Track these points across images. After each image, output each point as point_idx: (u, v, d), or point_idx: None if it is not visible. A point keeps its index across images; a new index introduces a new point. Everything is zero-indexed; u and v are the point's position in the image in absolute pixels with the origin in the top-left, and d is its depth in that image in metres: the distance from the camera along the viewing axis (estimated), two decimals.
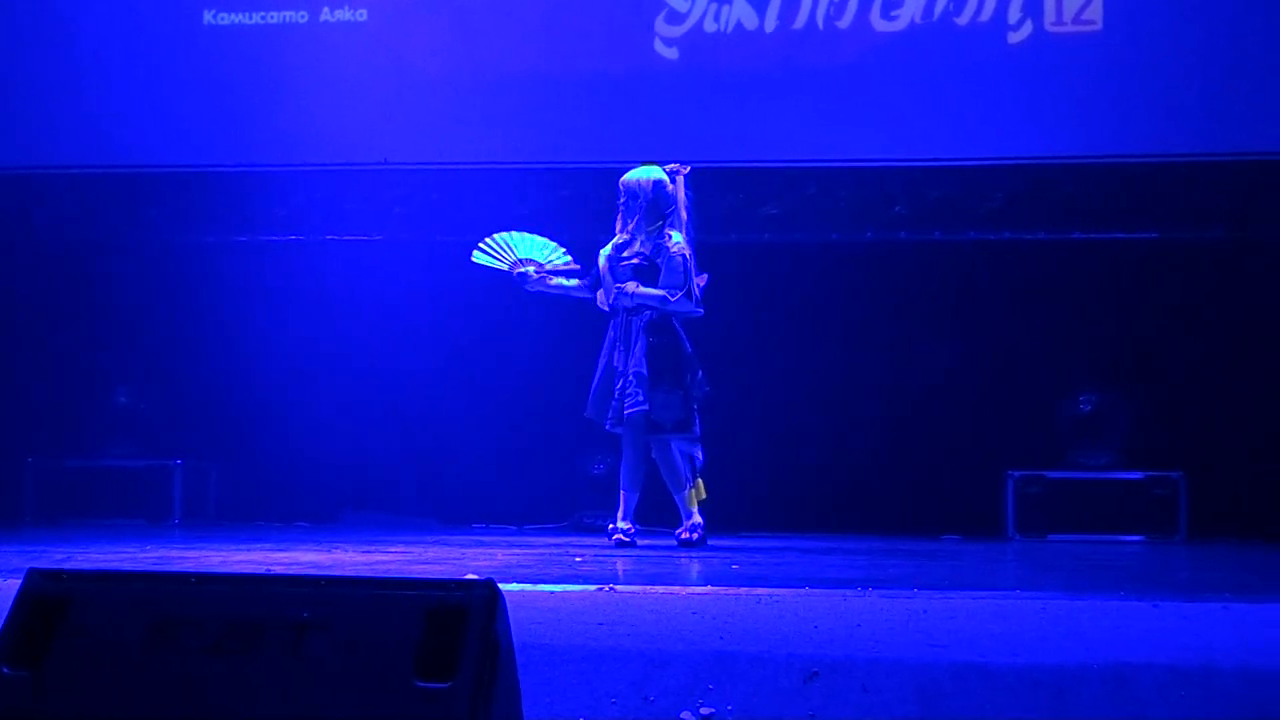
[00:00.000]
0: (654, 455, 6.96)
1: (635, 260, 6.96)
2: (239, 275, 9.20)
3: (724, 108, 8.77)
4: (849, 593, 4.24)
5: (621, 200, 7.06)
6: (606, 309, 7.05)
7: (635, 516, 6.99)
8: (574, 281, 7.15)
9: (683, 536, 6.93)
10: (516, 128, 8.74)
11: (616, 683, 2.87)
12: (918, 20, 8.66)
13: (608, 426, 6.99)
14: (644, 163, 7.15)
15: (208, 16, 9.13)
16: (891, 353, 8.83)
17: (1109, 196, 8.65)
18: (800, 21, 8.72)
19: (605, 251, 7.06)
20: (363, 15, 9.02)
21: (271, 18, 9.08)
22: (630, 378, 6.85)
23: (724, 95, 8.78)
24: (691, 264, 6.93)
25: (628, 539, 6.85)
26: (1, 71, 9.11)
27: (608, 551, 6.65)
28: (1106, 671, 2.88)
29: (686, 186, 7.08)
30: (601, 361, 7.03)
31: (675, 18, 8.83)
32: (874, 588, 4.47)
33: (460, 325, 8.98)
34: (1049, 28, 8.60)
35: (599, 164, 8.56)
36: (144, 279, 9.25)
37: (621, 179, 7.11)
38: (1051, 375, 8.67)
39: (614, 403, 6.91)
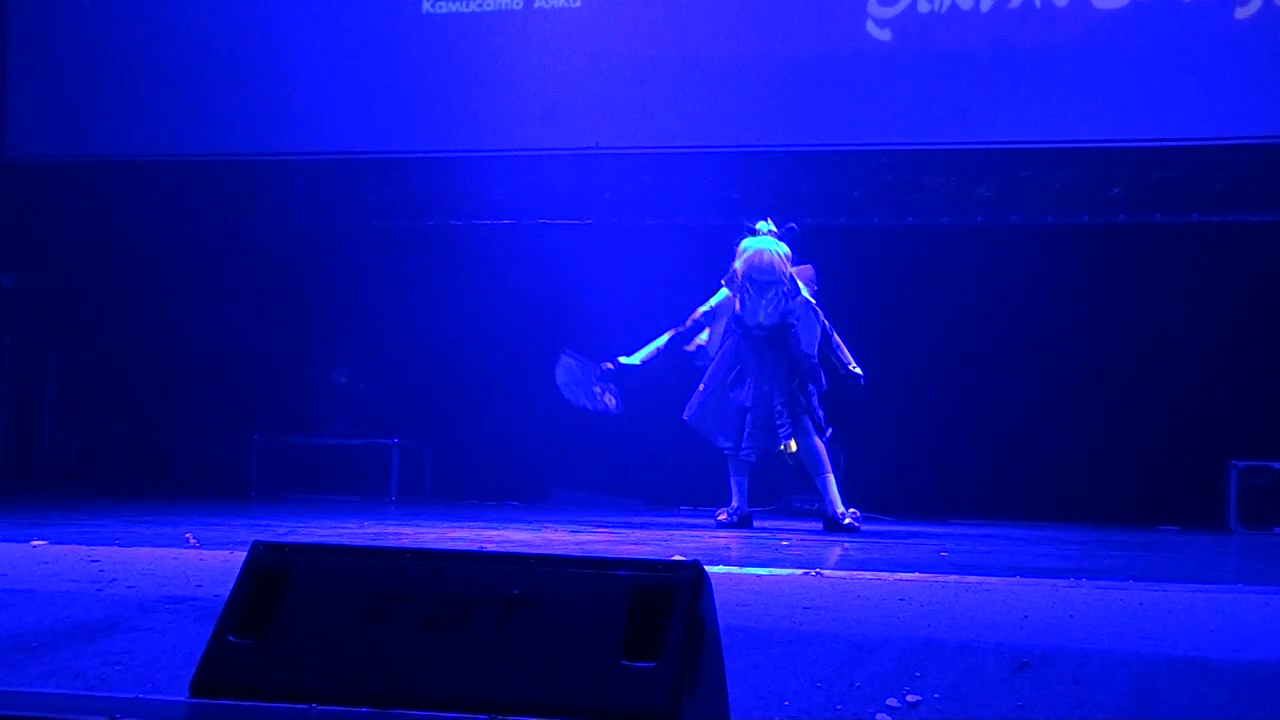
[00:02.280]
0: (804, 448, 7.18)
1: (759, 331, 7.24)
2: (453, 259, 9.38)
3: (937, 89, 8.64)
4: (1061, 582, 4.15)
5: (752, 284, 7.11)
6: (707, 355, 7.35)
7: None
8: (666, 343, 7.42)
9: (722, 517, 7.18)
10: (726, 112, 8.74)
11: (822, 668, 2.86)
12: None
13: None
14: (752, 230, 7.23)
15: (426, 5, 9.32)
16: (1110, 337, 8.61)
17: None
18: (1016, 0, 8.54)
19: (719, 303, 7.31)
20: (576, 2, 9.11)
21: (487, 5, 9.24)
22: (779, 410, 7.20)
23: (937, 77, 8.65)
24: None
25: (858, 524, 7.02)
26: (225, 63, 9.42)
27: (815, 536, 6.63)
28: None
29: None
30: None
31: None
32: (1087, 578, 4.37)
33: (668, 307, 9.01)
34: (1279, 1, 8.27)
35: (810, 147, 8.52)
36: (359, 263, 9.50)
37: (751, 259, 7.12)
38: (1277, 362, 8.36)
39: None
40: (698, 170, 8.97)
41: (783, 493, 8.59)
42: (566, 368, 7.57)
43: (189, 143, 9.47)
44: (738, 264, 7.17)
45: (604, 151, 9.06)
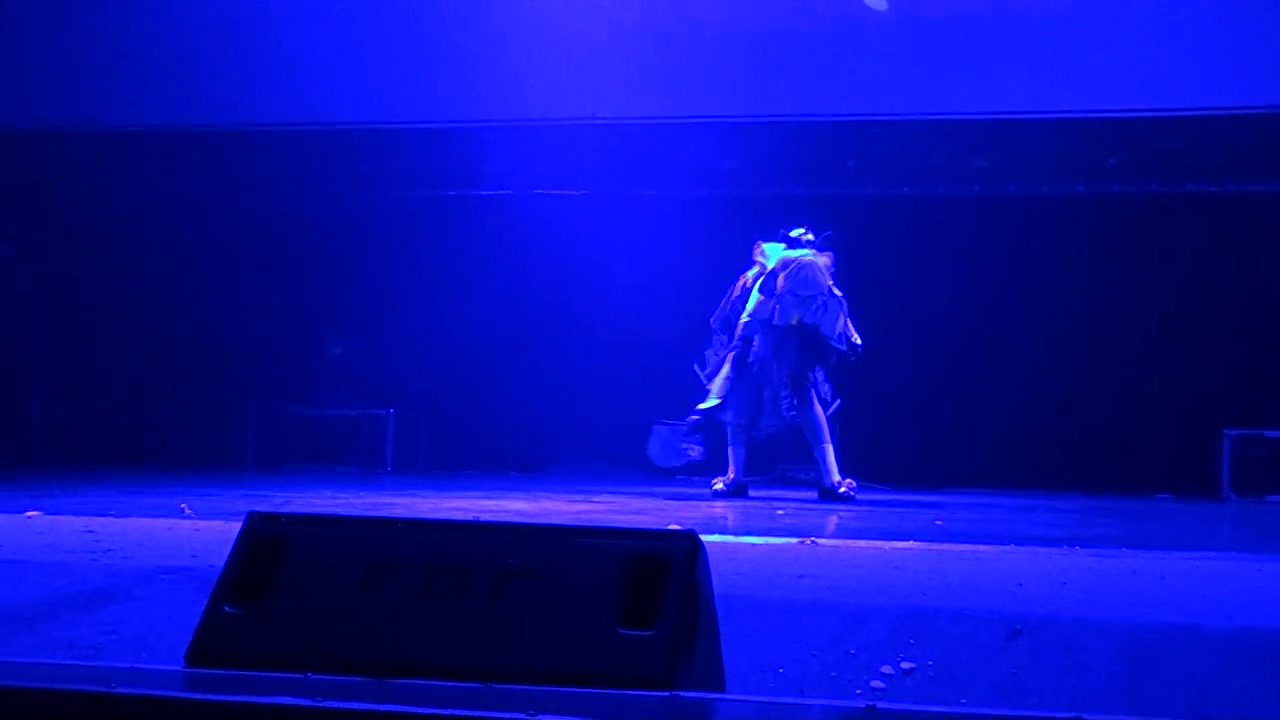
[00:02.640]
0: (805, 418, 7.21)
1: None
2: (450, 230, 9.37)
3: (933, 60, 8.59)
4: (1055, 551, 4.16)
5: (803, 305, 7.16)
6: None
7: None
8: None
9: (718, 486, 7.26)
10: (721, 82, 8.70)
11: (817, 635, 2.87)
12: None
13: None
14: (790, 240, 7.30)
15: None
16: (1104, 307, 8.62)
17: None
18: None
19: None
20: None
21: None
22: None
23: (934, 47, 8.60)
24: None
25: (852, 493, 7.08)
26: (221, 33, 9.36)
27: (810, 505, 6.65)
28: None
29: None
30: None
31: None
32: (1081, 546, 4.38)
33: (663, 279, 9.01)
34: None
35: (806, 118, 8.50)
36: (355, 234, 9.49)
37: (813, 283, 7.15)
38: (1271, 331, 8.37)
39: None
40: (696, 140, 8.94)
41: (779, 462, 8.60)
42: (659, 437, 7.69)
43: (181, 113, 9.41)
44: (779, 276, 7.20)
45: (601, 122, 9.02)
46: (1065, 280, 8.67)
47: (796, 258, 7.24)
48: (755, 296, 7.29)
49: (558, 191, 9.27)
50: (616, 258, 9.00)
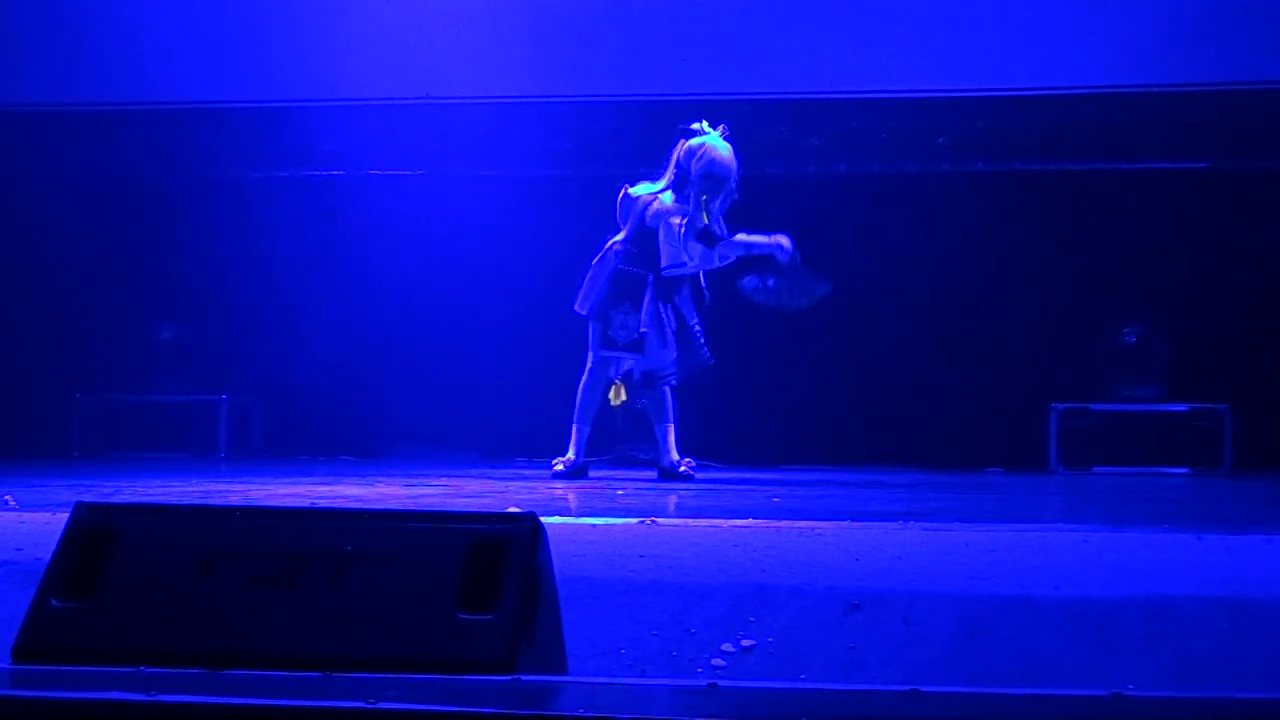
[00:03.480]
0: (651, 397, 6.98)
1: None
2: (282, 210, 9.21)
3: (766, 38, 8.68)
4: (890, 526, 4.24)
5: (716, 185, 6.74)
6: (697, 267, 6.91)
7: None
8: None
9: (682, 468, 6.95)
10: (557, 61, 8.68)
11: (658, 615, 2.89)
12: None
13: (673, 382, 7.00)
14: (698, 127, 6.80)
15: None
16: (933, 285, 8.77)
17: (1155, 126, 8.55)
18: None
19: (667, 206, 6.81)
20: None
21: None
22: (697, 326, 6.95)
23: (766, 26, 8.68)
24: None
25: (692, 472, 6.95)
26: (33, 9, 9.10)
27: (649, 485, 6.68)
28: (1149, 604, 2.87)
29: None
30: (653, 312, 6.87)
31: None
32: (915, 521, 4.47)
33: (502, 260, 8.97)
34: None
35: (638, 97, 8.52)
36: (186, 215, 9.28)
37: (720, 164, 6.72)
38: (1096, 307, 8.61)
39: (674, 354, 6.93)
40: (528, 120, 8.89)
41: (618, 442, 8.62)
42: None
43: (1, 90, 9.14)
44: (692, 163, 6.66)
45: (435, 101, 8.94)
46: (893, 258, 8.81)
47: (710, 141, 6.73)
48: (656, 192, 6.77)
49: (393, 172, 9.18)
50: (452, 240, 8.93)
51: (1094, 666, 2.66)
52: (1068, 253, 8.70)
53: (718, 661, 2.72)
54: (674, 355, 6.93)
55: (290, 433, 9.20)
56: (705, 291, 7.00)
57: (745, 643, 2.77)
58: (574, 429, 7.02)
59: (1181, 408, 8.32)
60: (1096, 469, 8.21)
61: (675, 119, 8.56)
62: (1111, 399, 8.45)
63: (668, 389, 7.02)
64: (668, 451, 6.99)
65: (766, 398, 8.79)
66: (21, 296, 9.20)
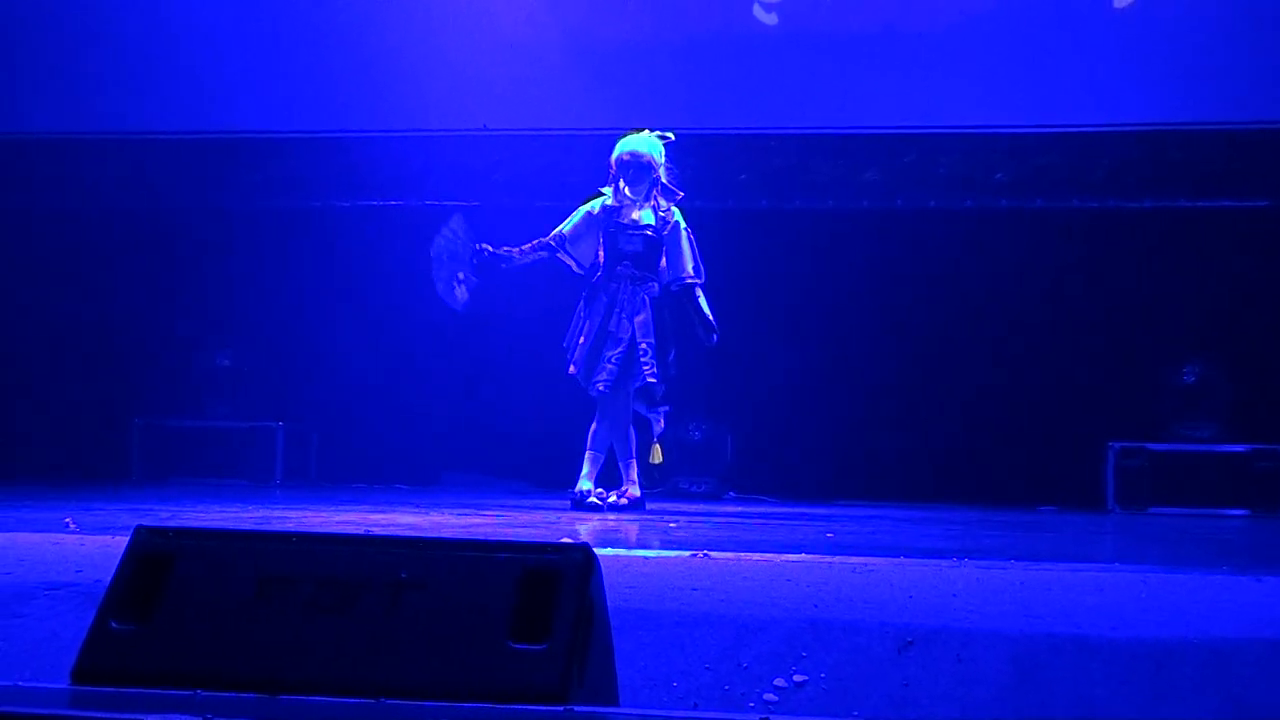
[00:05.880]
0: (615, 420, 6.84)
1: (648, 232, 6.83)
2: (342, 240, 9.29)
3: (823, 74, 8.70)
4: (944, 563, 4.22)
5: (627, 169, 6.82)
6: (582, 271, 6.90)
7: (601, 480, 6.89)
8: (542, 254, 6.96)
9: (622, 501, 6.80)
10: (616, 95, 8.73)
11: (710, 648, 2.88)
12: None
13: (599, 389, 6.78)
14: (634, 129, 6.95)
15: None
16: (991, 321, 8.73)
17: (1217, 163, 8.49)
18: None
19: (587, 211, 6.88)
20: None
21: None
22: (644, 348, 6.74)
23: (823, 61, 8.70)
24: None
25: (601, 502, 6.76)
26: (99, 40, 9.23)
27: (703, 517, 6.66)
28: (1206, 647, 2.84)
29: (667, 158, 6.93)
30: (593, 325, 6.83)
31: None
32: (970, 558, 4.44)
33: (553, 292, 8.99)
34: None
35: (698, 130, 8.55)
36: (247, 244, 9.37)
37: (627, 147, 6.86)
38: (1155, 345, 8.54)
39: (607, 367, 6.76)
40: (586, 151, 8.94)
41: (672, 475, 8.63)
42: (447, 240, 7.01)
43: (64, 120, 9.27)
44: (611, 157, 6.82)
45: (493, 133, 9.00)
46: (952, 295, 8.78)
47: (630, 137, 6.84)
48: (582, 209, 6.86)
49: (449, 203, 9.22)
50: (505, 271, 8.96)
51: (1148, 708, 2.64)
52: (1127, 290, 8.64)
53: (770, 696, 2.71)
54: (578, 358, 6.83)
55: (345, 460, 9.25)
56: (695, 317, 6.86)
57: (798, 678, 2.76)
58: (632, 464, 6.94)
59: (1241, 448, 8.23)
60: (1153, 509, 8.13)
61: (726, 152, 8.64)
62: (1170, 438, 8.37)
63: (596, 417, 6.87)
64: (587, 478, 6.82)
65: (820, 433, 8.77)
66: (83, 324, 9.31)
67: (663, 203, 6.89)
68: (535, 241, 6.99)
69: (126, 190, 9.34)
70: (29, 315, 9.36)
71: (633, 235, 6.85)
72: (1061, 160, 8.66)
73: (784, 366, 8.74)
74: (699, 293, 6.85)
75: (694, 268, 6.84)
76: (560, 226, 6.95)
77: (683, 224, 6.90)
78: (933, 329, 8.76)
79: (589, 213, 6.91)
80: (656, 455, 6.92)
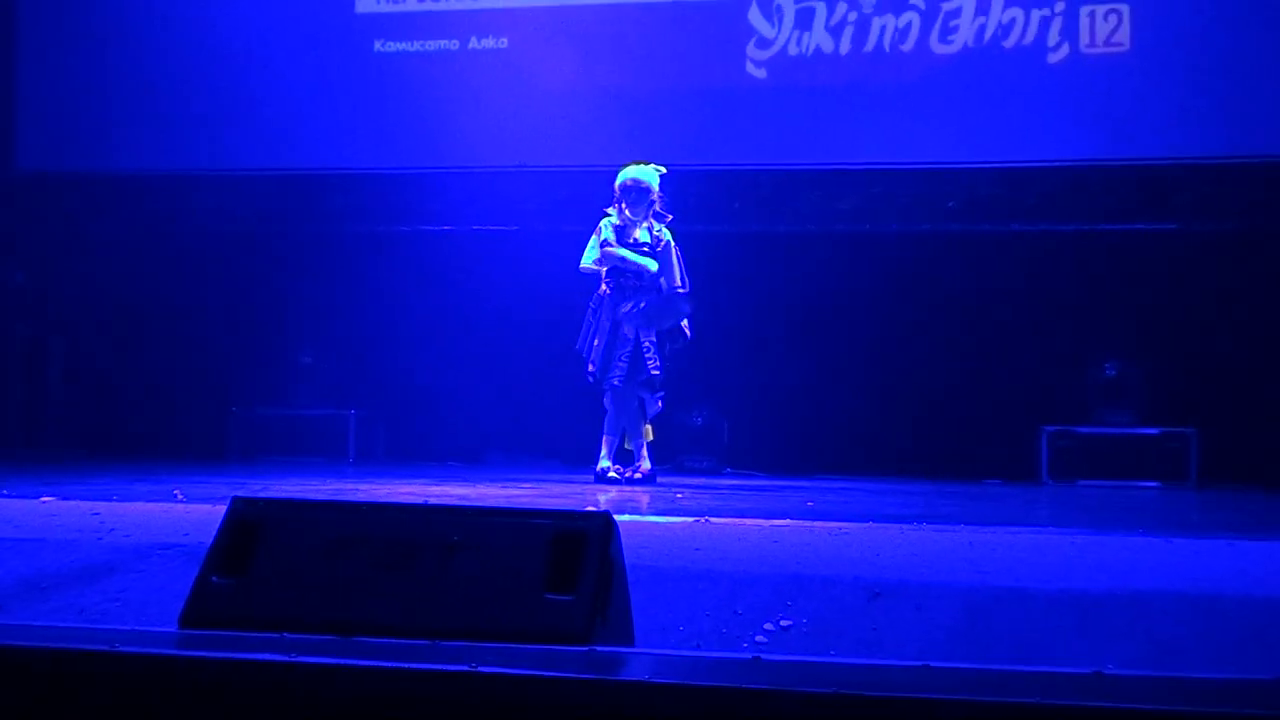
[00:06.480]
0: (626, 408, 6.80)
1: (645, 249, 6.83)
2: (401, 259, 9.34)
3: (806, 119, 8.74)
4: (906, 527, 4.21)
5: (630, 194, 6.81)
6: (611, 286, 6.82)
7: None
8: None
9: (637, 476, 6.77)
10: (630, 136, 8.73)
11: (710, 598, 2.88)
12: (970, 44, 8.56)
13: (615, 384, 6.74)
14: (636, 162, 6.96)
15: (378, 45, 9.26)
16: (946, 324, 8.73)
17: (1133, 193, 8.49)
18: (870, 45, 8.64)
19: (614, 227, 6.83)
20: (504, 43, 9.10)
21: (429, 46, 9.20)
22: (648, 346, 6.72)
23: (805, 108, 8.74)
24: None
25: (620, 476, 6.74)
26: (213, 91, 9.29)
27: (704, 488, 6.66)
28: (1126, 597, 2.84)
29: (661, 187, 6.91)
30: (604, 329, 6.78)
31: (763, 43, 8.79)
32: (928, 523, 4.44)
33: (582, 302, 8.99)
34: (1083, 49, 8.44)
35: (701, 167, 8.58)
36: (324, 263, 9.43)
37: (630, 175, 6.86)
38: (1082, 345, 8.53)
39: (619, 365, 6.72)
40: (605, 184, 8.94)
41: (678, 454, 8.62)
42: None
43: (175, 159, 9.37)
44: (616, 183, 6.82)
45: (527, 169, 9.04)
46: (912, 304, 8.79)
47: (630, 167, 6.84)
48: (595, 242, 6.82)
49: (492, 227, 9.26)
50: (538, 283, 8.97)
51: (1078, 648, 2.63)
52: (1058, 298, 8.63)
53: (760, 638, 2.71)
54: (595, 358, 6.78)
55: (407, 442, 9.27)
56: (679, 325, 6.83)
57: (784, 623, 2.76)
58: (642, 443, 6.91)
59: (1153, 431, 8.22)
60: (1081, 482, 8.12)
61: (722, 184, 8.65)
62: (1094, 423, 8.35)
63: (609, 398, 6.81)
64: (602, 457, 6.79)
65: (803, 418, 8.77)
66: (189, 327, 9.37)
67: (656, 224, 6.90)
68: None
69: (227, 216, 9.44)
70: (143, 324, 9.45)
71: (639, 253, 6.85)
72: (1002, 190, 8.67)
73: (772, 363, 8.74)
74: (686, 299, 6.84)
75: (681, 279, 6.86)
76: (611, 241, 6.84)
77: (672, 242, 6.91)
78: (898, 331, 8.77)
79: (615, 227, 6.88)
80: (649, 433, 6.93)
